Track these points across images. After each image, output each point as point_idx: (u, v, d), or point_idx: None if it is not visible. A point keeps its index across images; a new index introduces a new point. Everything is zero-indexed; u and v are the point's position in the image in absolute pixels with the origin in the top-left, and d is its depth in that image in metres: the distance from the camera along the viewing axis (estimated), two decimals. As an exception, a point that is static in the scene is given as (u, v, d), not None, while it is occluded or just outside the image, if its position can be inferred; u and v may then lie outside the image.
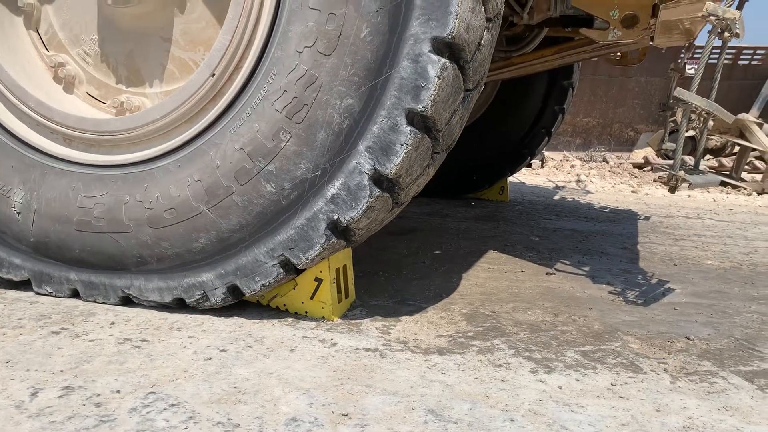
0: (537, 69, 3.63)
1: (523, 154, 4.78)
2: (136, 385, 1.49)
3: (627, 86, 9.51)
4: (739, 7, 2.42)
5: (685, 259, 3.12)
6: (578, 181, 6.64)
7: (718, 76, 2.24)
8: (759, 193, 6.77)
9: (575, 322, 2.08)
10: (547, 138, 4.73)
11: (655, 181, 6.54)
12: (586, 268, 2.85)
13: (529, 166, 7.74)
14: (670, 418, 1.43)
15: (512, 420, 1.39)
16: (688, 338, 1.96)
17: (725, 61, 8.86)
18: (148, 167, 1.97)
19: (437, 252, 3.10)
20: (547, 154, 8.41)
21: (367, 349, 1.77)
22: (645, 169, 7.71)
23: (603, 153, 8.72)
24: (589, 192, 5.97)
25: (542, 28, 3.48)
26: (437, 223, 3.90)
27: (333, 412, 1.40)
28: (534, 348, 1.83)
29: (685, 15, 2.23)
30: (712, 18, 1.92)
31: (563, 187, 6.28)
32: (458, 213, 4.36)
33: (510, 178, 5.89)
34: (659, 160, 8.18)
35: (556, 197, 5.50)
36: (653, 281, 2.66)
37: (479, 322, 2.04)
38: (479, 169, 4.85)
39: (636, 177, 7.27)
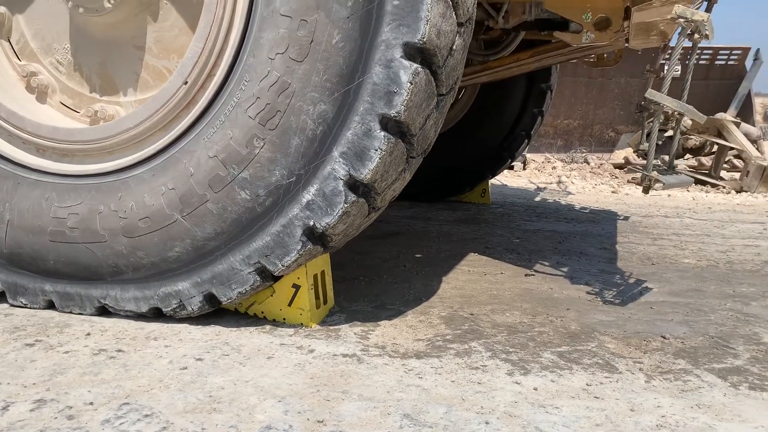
0: (514, 72, 3.66)
1: (503, 157, 4.80)
2: (110, 397, 1.48)
3: (607, 88, 9.58)
4: (708, 10, 2.45)
5: (663, 258, 3.15)
6: (559, 182, 6.68)
7: (689, 77, 2.26)
8: (737, 192, 6.84)
9: (552, 323, 2.09)
10: (526, 141, 4.75)
11: (629, 182, 6.60)
12: (565, 269, 2.86)
13: (511, 168, 7.79)
14: (644, 417, 1.44)
15: (487, 423, 1.39)
16: (664, 337, 1.98)
17: (703, 62, 8.96)
18: (122, 176, 1.95)
19: (418, 256, 3.10)
20: (528, 155, 8.45)
21: (345, 355, 1.76)
22: (624, 169, 7.78)
23: (584, 154, 8.78)
24: (570, 193, 6.00)
25: (519, 31, 3.51)
26: (419, 227, 3.91)
27: (308, 419, 1.39)
28: (511, 350, 1.84)
29: (656, 17, 2.26)
30: (682, 20, 1.94)
31: (544, 188, 6.31)
32: (440, 216, 4.36)
33: (492, 181, 5.92)
34: (640, 161, 8.25)
35: (537, 199, 5.52)
36: (631, 281, 2.68)
37: (458, 325, 2.05)
38: (461, 172, 4.86)
39: (616, 177, 7.33)
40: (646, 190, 2.10)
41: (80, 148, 2.02)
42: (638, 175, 2.04)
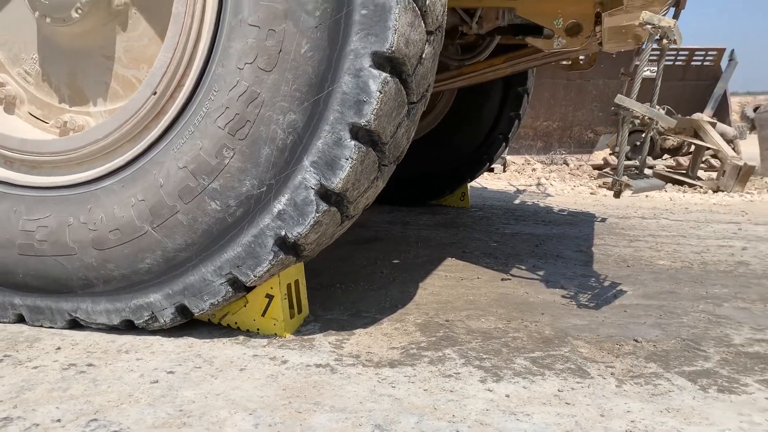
0: (489, 77, 3.68)
1: (482, 160, 4.83)
2: (78, 413, 1.46)
3: (585, 89, 9.66)
4: (675, 16, 2.48)
5: (639, 260, 3.18)
6: (539, 184, 6.72)
7: (659, 81, 2.29)
8: (714, 191, 6.93)
9: (527, 328, 2.10)
10: (504, 144, 4.78)
11: (600, 186, 6.65)
12: (541, 273, 2.88)
13: (491, 170, 7.84)
14: (614, 422, 1.45)
15: (458, 431, 1.39)
16: (636, 340, 2.00)
17: (679, 63, 9.03)
18: (91, 188, 1.93)
19: (396, 261, 3.10)
20: (509, 158, 8.50)
21: (318, 365, 1.76)
22: (604, 170, 7.85)
23: (563, 155, 8.84)
24: (549, 195, 6.04)
25: (494, 36, 3.53)
26: (398, 232, 3.91)
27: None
28: (485, 356, 1.84)
29: (627, 22, 2.28)
30: (649, 26, 1.97)
31: (524, 190, 6.35)
32: (420, 220, 4.37)
33: (472, 183, 5.96)
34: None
35: (517, 201, 5.56)
36: (606, 284, 2.70)
37: (433, 332, 2.05)
38: (440, 176, 4.89)
39: (595, 179, 7.39)
40: (617, 195, 2.12)
41: (49, 159, 2.00)
42: (609, 179, 2.05)
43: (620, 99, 2.02)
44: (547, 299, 2.47)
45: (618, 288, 2.63)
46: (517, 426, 1.42)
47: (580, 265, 3.06)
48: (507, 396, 1.58)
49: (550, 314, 2.26)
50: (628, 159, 9.13)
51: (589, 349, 1.92)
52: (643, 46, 2.13)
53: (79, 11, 1.98)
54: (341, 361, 1.79)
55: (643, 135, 2.51)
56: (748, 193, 6.76)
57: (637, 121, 2.10)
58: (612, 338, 2.02)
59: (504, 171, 8.04)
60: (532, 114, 9.58)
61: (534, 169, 8.18)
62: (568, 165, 8.40)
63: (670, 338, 2.03)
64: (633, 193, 2.11)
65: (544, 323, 2.16)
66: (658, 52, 2.32)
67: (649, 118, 2.22)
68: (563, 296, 2.51)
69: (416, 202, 5.05)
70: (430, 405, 1.52)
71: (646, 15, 1.95)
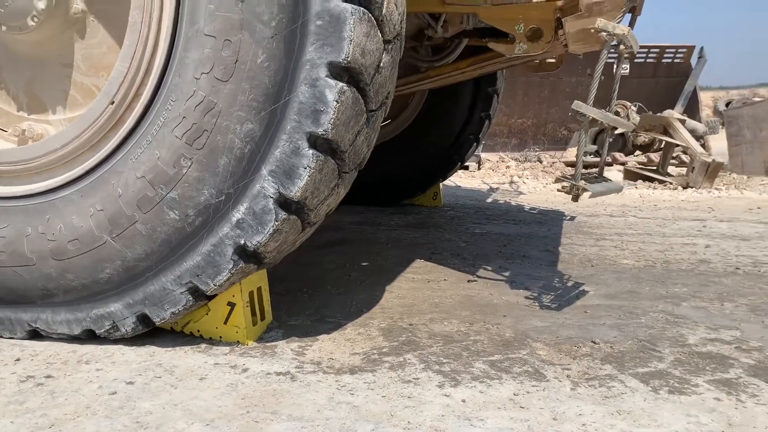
0: (458, 79, 3.70)
1: (453, 160, 4.86)
2: (33, 427, 1.46)
3: (558, 87, 9.76)
4: (632, 22, 2.52)
5: (603, 260, 3.23)
6: (511, 182, 6.78)
7: (617, 86, 2.33)
8: (684, 187, 7.04)
9: (488, 331, 2.13)
10: (475, 144, 4.81)
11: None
12: (507, 274, 2.91)
13: (466, 168, 7.88)
14: (565, 426, 1.48)
15: (412, 439, 1.41)
16: (594, 342, 2.03)
17: (651, 60, 9.12)
18: (50, 198, 1.92)
19: (364, 264, 3.12)
20: (483, 155, 8.55)
21: (279, 373, 1.77)
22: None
23: (537, 153, 8.92)
24: (521, 193, 6.10)
25: (461, 39, 3.55)
26: (368, 233, 3.92)
27: (234, 442, 1.39)
28: (445, 360, 1.87)
29: (585, 27, 2.31)
30: (604, 33, 2.00)
31: (497, 189, 6.40)
32: (391, 221, 4.39)
33: (446, 182, 5.98)
34: (588, 159, 8.42)
35: (489, 200, 5.60)
36: (569, 284, 2.74)
37: (395, 337, 2.07)
38: (412, 176, 4.90)
39: (567, 177, 7.46)
40: (574, 199, 2.16)
41: (7, 169, 1.98)
42: (567, 184, 2.08)
43: (577, 105, 2.05)
44: (510, 301, 2.50)
45: (581, 288, 2.67)
46: (470, 432, 1.45)
47: (545, 265, 3.10)
48: (463, 401, 1.60)
49: (512, 316, 2.30)
50: (598, 156, 9.26)
51: (547, 351, 1.96)
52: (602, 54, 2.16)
53: (36, 19, 1.96)
54: (302, 368, 1.81)
55: (603, 137, 2.55)
56: (716, 189, 6.88)
57: (594, 127, 2.13)
58: (571, 340, 2.06)
59: (479, 169, 8.09)
60: (507, 111, 9.66)
61: (508, 167, 8.24)
62: (541, 162, 8.48)
63: (627, 339, 2.07)
64: (590, 197, 2.15)
65: (506, 325, 2.19)
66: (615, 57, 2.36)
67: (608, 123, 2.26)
68: (527, 297, 2.54)
69: (389, 203, 5.07)
70: (388, 412, 1.54)
71: (600, 22, 1.99)
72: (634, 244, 3.65)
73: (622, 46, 2.16)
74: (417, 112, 4.72)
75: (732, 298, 2.56)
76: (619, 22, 2.04)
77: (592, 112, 2.04)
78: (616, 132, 10.35)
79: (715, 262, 3.23)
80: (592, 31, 2.02)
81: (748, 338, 2.10)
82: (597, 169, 2.45)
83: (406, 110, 4.71)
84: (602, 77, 2.26)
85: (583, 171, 2.25)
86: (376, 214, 4.66)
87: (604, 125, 2.25)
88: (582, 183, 2.11)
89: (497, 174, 7.79)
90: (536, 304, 2.46)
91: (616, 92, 2.32)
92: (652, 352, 1.96)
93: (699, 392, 1.67)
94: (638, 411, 1.56)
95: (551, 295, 2.57)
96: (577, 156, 2.12)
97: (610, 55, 2.32)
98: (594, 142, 8.05)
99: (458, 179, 7.18)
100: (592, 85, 2.07)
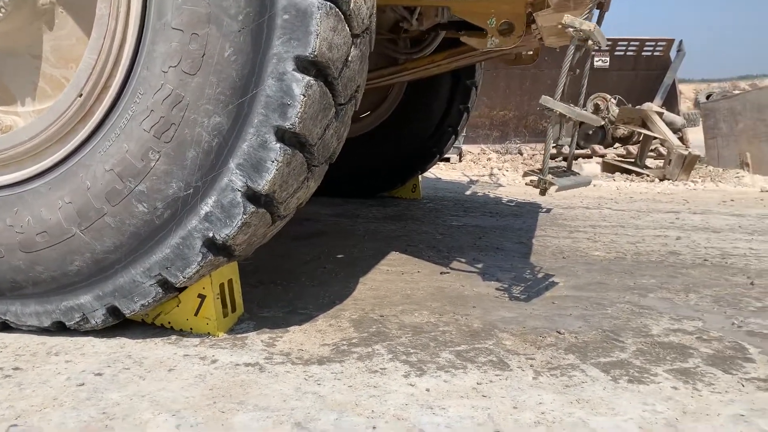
0: (433, 71, 3.72)
1: (432, 152, 4.89)
2: (-1, 418, 1.47)
3: (540, 79, 9.81)
4: (599, 19, 2.55)
5: (575, 252, 3.28)
6: (491, 174, 6.82)
7: (585, 81, 2.36)
8: (661, 180, 7.14)
9: (457, 322, 2.17)
10: (454, 136, 4.85)
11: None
12: (480, 266, 2.95)
13: (447, 160, 7.92)
14: (525, 414, 1.51)
15: (374, 427, 1.44)
16: (559, 332, 2.08)
17: (630, 53, 9.18)
18: (17, 190, 1.92)
19: (340, 256, 3.14)
20: (465, 147, 8.60)
21: (248, 364, 1.79)
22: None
23: (518, 145, 8.98)
24: (500, 186, 6.15)
25: (438, 32, 3.57)
26: (345, 225, 3.95)
27: (199, 432, 1.41)
28: (412, 351, 1.90)
29: (556, 21, 2.34)
30: (571, 29, 2.03)
31: (477, 181, 6.44)
32: (369, 213, 4.41)
33: (427, 174, 6.01)
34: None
35: (468, 192, 5.64)
36: (539, 275, 2.79)
37: (366, 328, 2.10)
38: (391, 168, 4.93)
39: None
40: (542, 193, 2.19)
41: (-25, 161, 1.97)
42: (535, 177, 2.12)
43: (545, 100, 2.08)
44: (481, 292, 2.54)
45: (550, 280, 2.72)
46: (431, 420, 1.48)
47: (518, 257, 3.14)
48: (427, 390, 1.63)
49: (481, 307, 2.33)
50: (580, 147, 9.33)
51: (513, 341, 1.99)
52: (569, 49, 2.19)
53: (2, 10, 1.95)
54: (271, 359, 1.83)
55: (570, 135, 2.58)
56: (692, 181, 6.99)
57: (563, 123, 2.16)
58: (536, 330, 2.10)
59: (460, 161, 8.14)
60: (489, 103, 9.71)
61: (489, 159, 8.30)
62: (522, 155, 8.54)
63: (591, 329, 2.11)
64: (557, 191, 2.19)
65: (474, 316, 2.23)
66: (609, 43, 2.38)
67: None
68: (497, 289, 2.58)
69: (368, 195, 5.09)
70: (353, 401, 1.57)
71: (567, 18, 2.01)
72: (606, 235, 3.71)
73: (590, 42, 2.19)
74: (396, 104, 4.74)
75: (697, 290, 2.62)
76: (589, 18, 2.07)
77: (559, 107, 2.07)
78: (599, 125, 10.46)
79: (684, 254, 3.29)
80: (559, 26, 2.05)
81: (709, 328, 2.15)
82: (566, 163, 2.48)
83: (385, 102, 4.73)
84: (575, 72, 2.29)
85: (552, 165, 2.29)
86: (355, 206, 4.68)
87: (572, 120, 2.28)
88: (549, 177, 2.14)
89: (478, 166, 7.84)
90: (506, 295, 2.50)
91: (584, 87, 2.35)
92: (615, 342, 2.01)
93: (657, 381, 1.72)
94: (597, 400, 1.60)
95: (521, 287, 2.61)
96: (545, 150, 2.16)
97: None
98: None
99: (439, 171, 7.22)
100: (560, 80, 2.10)
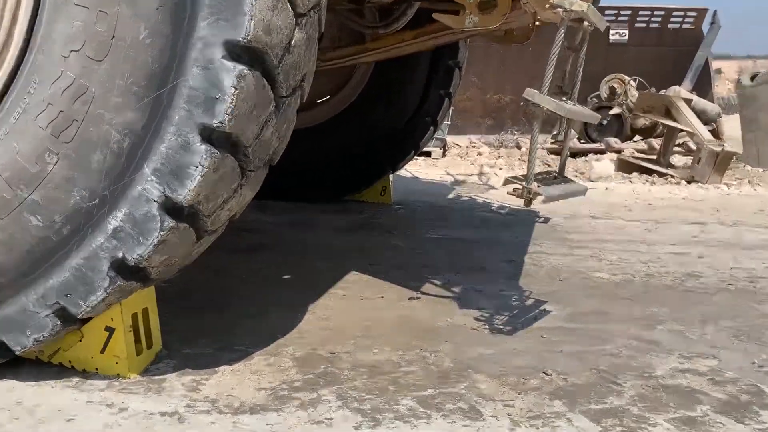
0: (408, 50, 3.80)
1: (405, 147, 4.96)
2: None
3: (543, 54, 9.94)
4: (595, 1, 2.66)
5: (575, 273, 3.38)
6: (481, 173, 6.93)
7: (580, 69, 2.46)
8: (688, 182, 7.28)
9: (424, 360, 2.25)
10: (432, 128, 4.93)
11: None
12: (457, 290, 3.04)
13: (428, 155, 8.01)
14: (495, 473, 1.60)
15: (314, 490, 1.51)
16: (546, 373, 2.17)
17: (654, 25, 9.33)
18: None
19: (286, 276, 3.21)
20: (450, 139, 8.70)
21: (164, 413, 1.84)
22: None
23: (516, 137, 9.10)
24: (491, 187, 6.24)
25: (411, 3, 3.65)
26: (294, 237, 4.02)
27: (101, 497, 1.47)
28: (366, 397, 1.97)
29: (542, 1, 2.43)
30: (560, 10, 2.12)
31: (462, 181, 6.54)
32: (325, 222, 4.48)
33: (401, 172, 6.08)
34: (583, 144, 8.68)
35: (451, 195, 5.74)
36: (528, 303, 2.89)
37: (311, 368, 2.16)
38: (354, 167, 4.97)
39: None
40: (527, 204, 2.28)
41: None
42: (518, 185, 2.21)
43: (529, 94, 2.17)
44: (456, 323, 2.62)
45: (541, 308, 2.81)
46: (383, 481, 1.55)
47: (504, 279, 3.24)
48: (381, 445, 1.71)
49: (455, 342, 2.42)
50: (593, 141, 9.50)
51: (489, 384, 2.08)
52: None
53: None
54: (193, 407, 1.89)
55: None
56: (725, 184, 7.13)
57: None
58: (519, 371, 2.19)
59: (443, 156, 8.22)
60: (480, 84, 9.84)
61: (480, 154, 8.41)
62: (519, 148, 8.67)
63: (584, 370, 2.21)
64: (544, 202, 2.28)
65: (446, 353, 2.31)
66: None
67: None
68: (476, 319, 2.67)
69: (327, 198, 5.13)
70: (290, 458, 1.64)
71: (556, -3, 2.11)
72: (614, 252, 3.83)
73: (586, 24, 2.29)
74: (361, 89, 4.79)
75: (716, 321, 2.74)
76: (582, -3, 2.16)
77: (546, 103, 2.17)
78: (612, 113, 10.65)
79: (705, 277, 3.42)
80: (547, 6, 2.14)
81: (725, 368, 2.26)
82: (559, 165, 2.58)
83: (347, 86, 4.78)
84: (573, 51, 2.38)
85: (541, 171, 2.38)
86: (309, 213, 4.74)
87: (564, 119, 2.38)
88: (535, 185, 2.23)
89: (465, 162, 7.94)
90: (486, 327, 2.59)
91: (579, 76, 2.45)
92: (611, 385, 2.11)
93: (655, 433, 1.82)
94: (582, 455, 1.69)
95: (505, 317, 2.71)
96: (530, 153, 2.25)
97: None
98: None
99: (416, 169, 7.29)
100: (547, 69, 2.20)
